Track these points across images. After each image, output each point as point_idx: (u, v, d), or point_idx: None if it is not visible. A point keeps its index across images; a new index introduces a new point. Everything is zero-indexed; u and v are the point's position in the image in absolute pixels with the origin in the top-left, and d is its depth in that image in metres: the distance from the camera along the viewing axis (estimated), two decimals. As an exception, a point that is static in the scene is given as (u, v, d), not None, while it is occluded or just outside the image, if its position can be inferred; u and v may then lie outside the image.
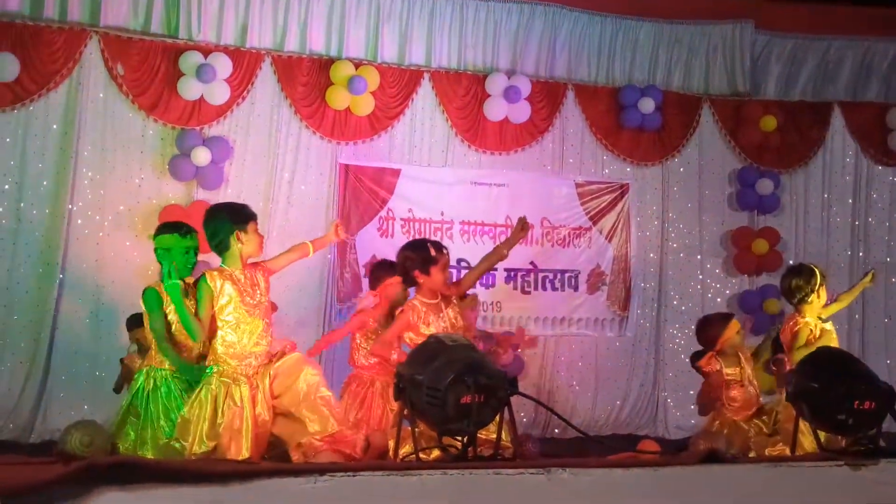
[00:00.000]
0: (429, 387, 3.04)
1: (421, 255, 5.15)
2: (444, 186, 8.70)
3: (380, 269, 6.09)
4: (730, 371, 6.14)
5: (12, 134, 7.45)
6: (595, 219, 9.11)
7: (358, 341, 5.93)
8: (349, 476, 2.84)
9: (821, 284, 6.00)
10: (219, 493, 2.66)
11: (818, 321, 5.98)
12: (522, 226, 5.48)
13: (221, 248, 4.94)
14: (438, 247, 5.24)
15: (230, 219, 4.92)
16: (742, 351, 6.19)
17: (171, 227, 5.35)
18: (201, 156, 7.66)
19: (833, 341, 5.93)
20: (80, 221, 7.57)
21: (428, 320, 5.05)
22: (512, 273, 8.76)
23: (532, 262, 8.87)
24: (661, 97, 9.08)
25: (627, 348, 9.16)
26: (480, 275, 5.83)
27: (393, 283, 5.66)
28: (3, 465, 2.65)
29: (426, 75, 8.61)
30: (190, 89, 7.71)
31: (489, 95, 8.69)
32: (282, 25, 8.21)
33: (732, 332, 6.16)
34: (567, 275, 9.03)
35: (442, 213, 8.64)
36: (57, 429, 6.52)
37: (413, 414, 3.18)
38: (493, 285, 8.66)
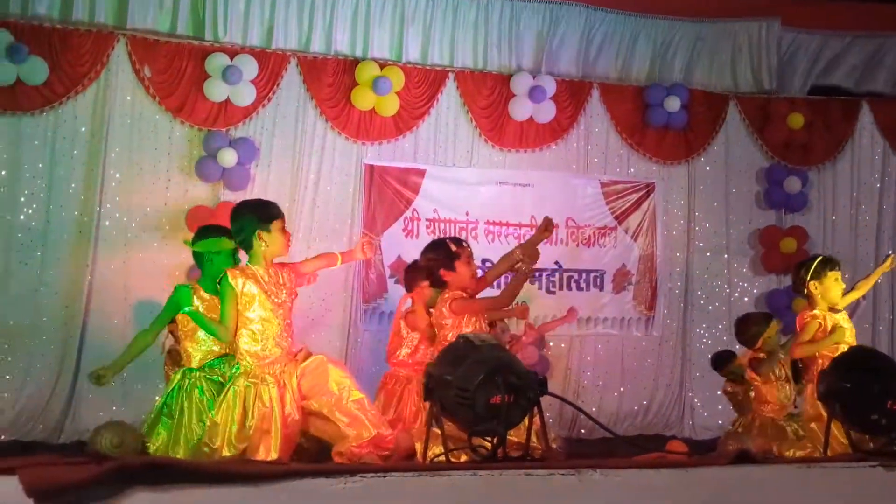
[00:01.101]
0: (458, 387, 3.04)
1: (443, 253, 5.16)
2: (469, 187, 8.69)
3: (414, 271, 6.08)
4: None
5: (41, 136, 7.50)
6: (620, 218, 9.08)
7: (404, 334, 5.94)
8: (380, 477, 2.83)
9: (825, 272, 5.89)
10: (250, 493, 2.67)
11: (831, 315, 5.88)
12: (546, 226, 5.43)
13: (245, 247, 4.95)
14: (458, 241, 5.27)
15: (254, 217, 4.91)
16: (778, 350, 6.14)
17: (218, 230, 5.38)
18: (227, 157, 7.69)
19: (847, 336, 5.84)
20: (107, 223, 7.62)
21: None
22: (537, 273, 8.70)
23: (557, 262, 8.85)
24: (687, 95, 9.03)
25: (654, 348, 9.12)
26: (499, 275, 5.82)
27: (426, 286, 5.67)
28: (36, 464, 2.66)
29: (451, 75, 8.60)
30: (216, 91, 7.74)
31: (514, 95, 8.67)
32: (307, 26, 8.22)
33: (773, 331, 6.12)
34: (592, 274, 9.01)
35: (467, 214, 8.64)
36: (86, 429, 6.57)
37: (442, 414, 3.18)
38: (518, 285, 8.62)
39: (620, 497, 3.01)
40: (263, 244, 4.83)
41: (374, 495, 2.78)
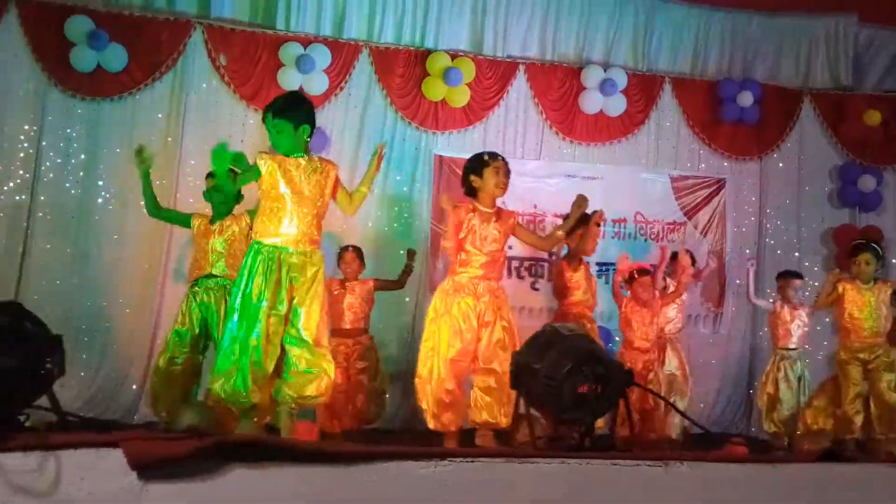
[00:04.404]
0: (546, 375, 3.05)
1: (475, 160, 5.67)
2: (538, 179, 8.66)
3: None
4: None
5: (120, 122, 7.67)
6: (690, 214, 8.99)
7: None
8: (468, 462, 2.85)
9: (857, 258, 6.76)
10: (342, 473, 2.70)
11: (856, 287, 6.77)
12: (579, 203, 5.65)
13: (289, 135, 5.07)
14: (493, 155, 5.73)
15: (308, 113, 5.10)
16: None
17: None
18: (300, 145, 7.75)
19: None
20: (183, 209, 7.72)
21: (473, 221, 5.51)
22: (604, 267, 8.67)
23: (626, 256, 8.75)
24: (761, 91, 8.91)
25: (721, 345, 9.02)
26: (534, 243, 6.07)
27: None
28: (137, 438, 2.72)
29: (521, 67, 8.60)
30: (290, 79, 7.84)
31: (585, 88, 8.64)
32: (379, 16, 8.28)
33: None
34: (661, 270, 8.91)
35: (535, 206, 8.62)
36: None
37: (529, 402, 3.19)
38: (584, 279, 8.58)
39: (706, 490, 2.99)
40: (305, 137, 5.04)
41: (462, 479, 2.80)
